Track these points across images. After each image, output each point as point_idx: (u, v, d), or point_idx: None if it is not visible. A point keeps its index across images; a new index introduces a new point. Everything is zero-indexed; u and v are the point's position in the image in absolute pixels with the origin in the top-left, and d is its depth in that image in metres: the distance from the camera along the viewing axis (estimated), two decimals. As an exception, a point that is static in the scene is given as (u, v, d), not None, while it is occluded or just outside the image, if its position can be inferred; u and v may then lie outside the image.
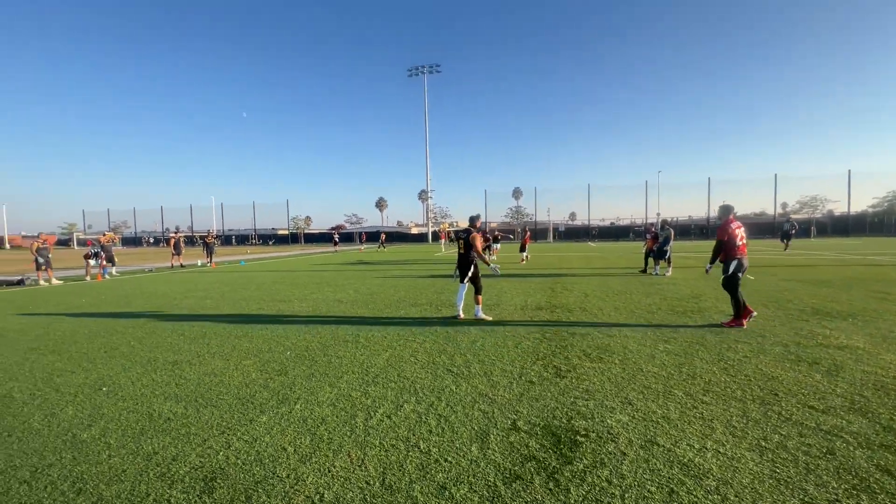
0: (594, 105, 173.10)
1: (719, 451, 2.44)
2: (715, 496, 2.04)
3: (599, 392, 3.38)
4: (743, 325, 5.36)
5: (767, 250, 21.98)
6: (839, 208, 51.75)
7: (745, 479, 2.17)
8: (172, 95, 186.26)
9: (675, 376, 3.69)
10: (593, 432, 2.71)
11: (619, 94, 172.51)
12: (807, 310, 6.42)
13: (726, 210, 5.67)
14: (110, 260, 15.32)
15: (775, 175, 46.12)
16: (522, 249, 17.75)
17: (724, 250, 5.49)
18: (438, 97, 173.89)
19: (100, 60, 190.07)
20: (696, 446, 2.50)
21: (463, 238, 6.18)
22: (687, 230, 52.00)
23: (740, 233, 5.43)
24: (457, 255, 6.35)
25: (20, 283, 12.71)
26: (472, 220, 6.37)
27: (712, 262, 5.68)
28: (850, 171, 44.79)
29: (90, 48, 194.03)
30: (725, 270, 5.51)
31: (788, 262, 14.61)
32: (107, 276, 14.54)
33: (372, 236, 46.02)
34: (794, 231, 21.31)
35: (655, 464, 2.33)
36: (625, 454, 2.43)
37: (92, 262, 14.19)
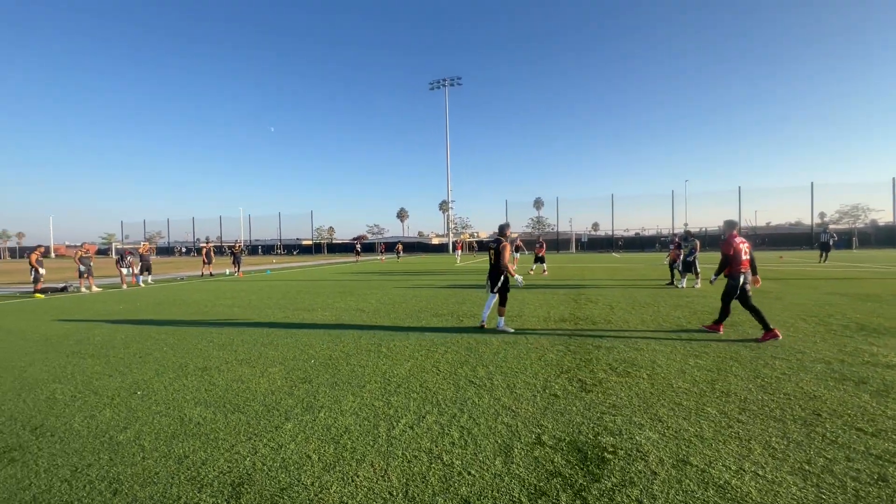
0: (617, 113, 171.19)
1: (758, 474, 2.31)
2: (755, 522, 1.93)
3: (627, 408, 3.27)
4: (778, 335, 5.23)
5: (804, 262, 20.93)
6: (884, 218, 48.92)
7: (787, 504, 2.05)
8: (201, 110, 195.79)
9: (707, 393, 3.53)
10: (621, 449, 2.62)
11: (643, 101, 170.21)
12: (851, 325, 6.06)
13: (730, 225, 5.80)
14: (147, 269, 16.05)
15: (812, 183, 44.00)
16: (537, 261, 16.82)
17: (730, 265, 5.57)
18: (459, 107, 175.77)
19: (133, 80, 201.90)
20: (733, 468, 2.38)
21: (493, 248, 6.16)
22: (717, 240, 50.16)
23: (744, 248, 5.53)
24: (487, 264, 6.33)
25: (64, 289, 13.46)
26: (502, 228, 6.29)
27: (717, 274, 5.76)
28: (894, 178, 42.32)
29: (125, 68, 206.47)
30: (733, 287, 5.55)
31: (829, 275, 13.86)
32: (141, 284, 15.18)
33: (389, 247, 46.17)
34: (832, 242, 20.20)
35: (689, 485, 2.23)
36: (655, 473, 2.34)
37: (124, 270, 14.80)
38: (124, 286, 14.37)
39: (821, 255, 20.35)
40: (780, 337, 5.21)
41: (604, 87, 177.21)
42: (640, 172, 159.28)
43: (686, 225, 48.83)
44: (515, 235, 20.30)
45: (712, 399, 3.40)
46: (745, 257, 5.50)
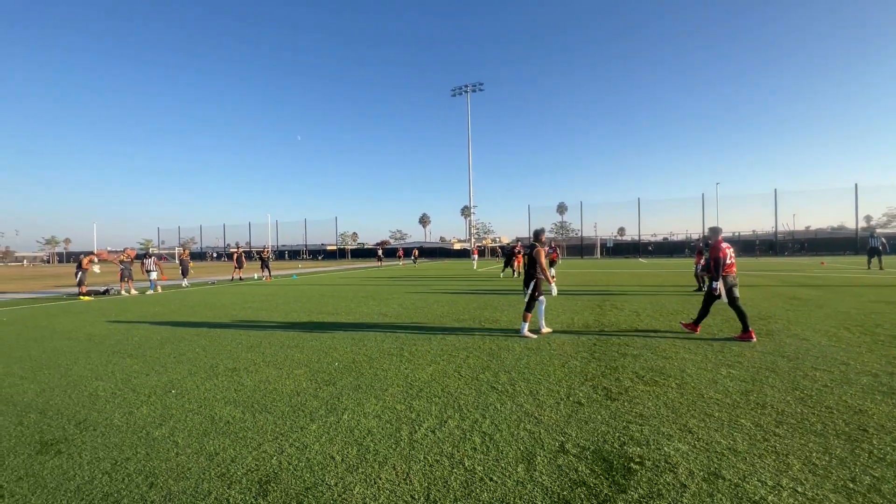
0: (646, 114, 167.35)
1: (797, 491, 2.19)
2: (793, 541, 1.83)
3: (655, 417, 3.17)
4: (697, 331, 6.08)
5: (848, 268, 19.74)
6: (937, 221, 45.48)
7: (829, 524, 1.93)
8: (232, 122, 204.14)
9: (741, 404, 3.38)
10: (649, 460, 2.54)
11: (673, 101, 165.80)
12: (900, 335, 5.66)
13: (716, 231, 6.23)
14: (185, 273, 16.79)
15: (856, 184, 41.42)
16: (551, 266, 16.55)
17: (714, 268, 5.93)
18: (482, 112, 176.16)
19: (161, 96, 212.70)
20: (769, 483, 2.27)
21: (527, 253, 6.17)
22: (751, 246, 47.97)
23: (730, 252, 5.93)
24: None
25: (106, 292, 14.23)
26: (537, 234, 6.30)
27: (715, 279, 5.91)
28: (948, 179, 39.35)
29: (154, 84, 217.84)
30: (710, 286, 5.98)
31: (875, 282, 13.03)
32: (153, 290, 14.95)
33: (407, 252, 46.37)
34: (882, 247, 18.58)
35: (721, 499, 2.13)
36: (685, 486, 2.25)
37: (153, 275, 14.88)
38: (158, 289, 14.85)
39: (869, 262, 18.89)
40: (755, 340, 5.53)
41: (631, 87, 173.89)
42: (669, 176, 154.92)
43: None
44: (519, 245, 20.06)
45: (746, 411, 3.25)
46: (729, 261, 5.86)
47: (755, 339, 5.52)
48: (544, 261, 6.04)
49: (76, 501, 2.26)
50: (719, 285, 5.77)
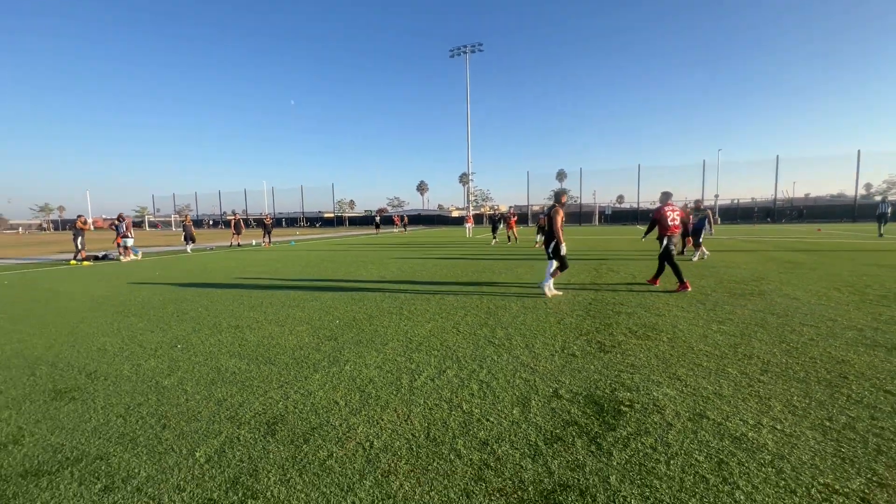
0: (644, 81, 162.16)
1: (776, 428, 2.33)
2: (769, 469, 1.96)
3: (645, 367, 3.30)
4: (688, 287, 6.39)
5: (845, 234, 19.83)
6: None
7: (804, 455, 2.07)
8: (227, 88, 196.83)
9: (729, 355, 3.51)
10: (638, 403, 2.67)
11: (676, 66, 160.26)
12: (889, 295, 5.80)
13: (666, 196, 6.92)
14: (190, 238, 16.74)
15: (858, 151, 40.89)
16: (539, 231, 15.95)
17: (659, 229, 6.80)
18: (481, 77, 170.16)
19: (163, 64, 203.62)
20: (751, 422, 2.40)
21: (547, 214, 6.31)
22: (749, 213, 47.95)
23: (672, 215, 6.66)
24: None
25: (105, 257, 14.25)
26: (557, 195, 6.39)
27: (646, 233, 7.45)
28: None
29: (152, 55, 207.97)
30: (661, 245, 6.78)
31: (871, 247, 13.16)
32: (137, 255, 14.47)
33: (401, 219, 46.71)
34: (889, 213, 18.00)
35: (704, 435, 2.27)
36: (671, 425, 2.38)
37: (129, 241, 14.17)
38: (135, 255, 14.22)
39: (880, 227, 18.16)
40: (690, 289, 6.35)
41: (632, 50, 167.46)
42: (672, 142, 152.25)
43: (717, 196, 46.72)
44: (504, 208, 19.98)
45: (734, 361, 3.38)
46: (671, 223, 6.62)
47: (690, 288, 6.39)
48: (560, 222, 6.07)
49: (94, 439, 2.38)
50: (645, 238, 7.15)
